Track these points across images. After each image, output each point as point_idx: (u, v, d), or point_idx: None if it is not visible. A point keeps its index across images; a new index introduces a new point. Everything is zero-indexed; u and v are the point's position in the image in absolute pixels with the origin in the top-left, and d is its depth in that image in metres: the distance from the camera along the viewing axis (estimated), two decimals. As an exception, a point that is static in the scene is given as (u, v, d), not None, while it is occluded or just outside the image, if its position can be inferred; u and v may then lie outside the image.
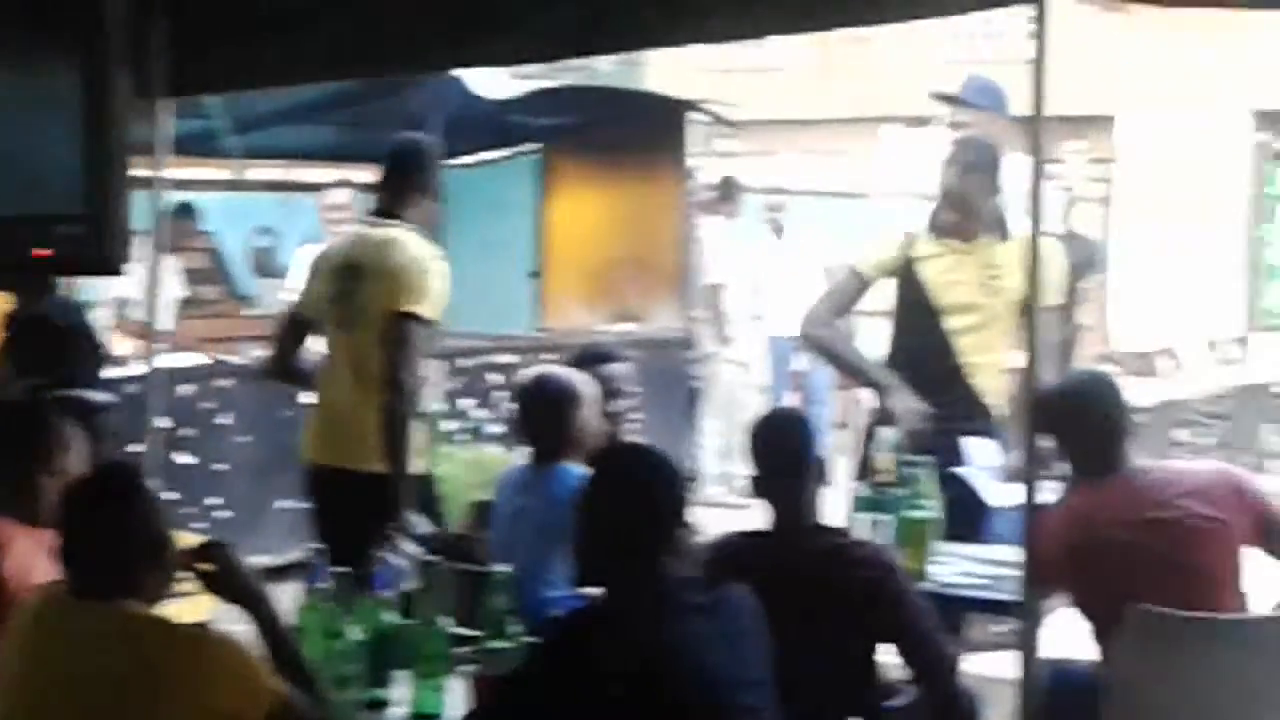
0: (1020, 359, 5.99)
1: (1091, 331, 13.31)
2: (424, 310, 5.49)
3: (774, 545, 4.38)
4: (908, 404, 5.98)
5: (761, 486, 4.48)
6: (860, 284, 6.36)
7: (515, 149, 12.21)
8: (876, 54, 25.29)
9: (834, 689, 4.29)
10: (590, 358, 5.56)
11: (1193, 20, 15.32)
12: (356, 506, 5.42)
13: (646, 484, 3.51)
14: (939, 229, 6.24)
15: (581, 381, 5.09)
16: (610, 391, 5.38)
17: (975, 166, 6.19)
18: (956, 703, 4.41)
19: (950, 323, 6.17)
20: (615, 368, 5.52)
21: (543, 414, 5.04)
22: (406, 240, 5.64)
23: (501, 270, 12.15)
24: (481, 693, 3.75)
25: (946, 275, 6.19)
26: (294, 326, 5.92)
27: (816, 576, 4.25)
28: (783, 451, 4.42)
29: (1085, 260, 12.75)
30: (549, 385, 5.08)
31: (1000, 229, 6.21)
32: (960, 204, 6.19)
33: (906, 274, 6.24)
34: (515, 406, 5.27)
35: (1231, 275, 18.38)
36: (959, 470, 5.82)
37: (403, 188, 5.73)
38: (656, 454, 3.62)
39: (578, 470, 4.65)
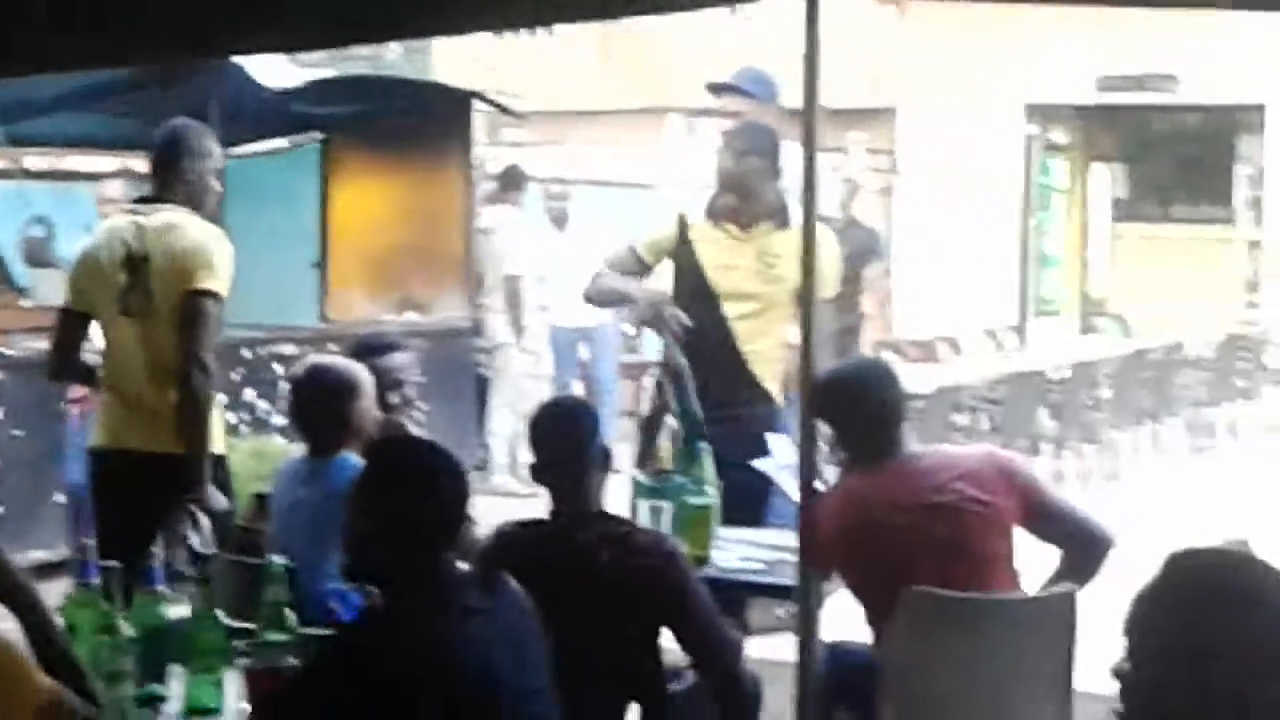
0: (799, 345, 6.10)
1: (873, 319, 13.53)
2: (216, 286, 5.51)
3: (553, 534, 4.38)
4: (649, 310, 6.01)
5: (542, 474, 4.47)
6: (637, 261, 6.38)
7: (297, 138, 12.06)
8: (661, 45, 25.44)
9: (616, 675, 4.30)
10: (370, 348, 5.51)
11: (969, 15, 15.64)
12: (151, 489, 5.39)
13: (422, 479, 3.45)
14: (716, 214, 6.27)
15: (358, 371, 5.04)
16: (391, 383, 5.34)
17: (752, 151, 6.20)
18: (737, 686, 4.45)
19: (728, 309, 6.20)
20: (396, 358, 5.48)
21: (318, 405, 4.98)
22: (187, 222, 5.63)
23: (284, 260, 11.97)
24: (256, 687, 3.70)
25: (723, 261, 6.22)
26: (71, 322, 5.82)
27: (596, 564, 4.26)
28: (563, 439, 4.42)
29: (867, 249, 12.94)
30: (324, 375, 5.03)
31: (780, 217, 6.24)
32: (738, 188, 6.21)
33: (684, 258, 6.26)
34: (290, 397, 5.22)
35: (1007, 264, 18.81)
36: (759, 464, 5.86)
37: (173, 174, 5.71)
38: (433, 447, 3.58)
39: (355, 461, 4.61)
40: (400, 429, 5.34)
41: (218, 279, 5.54)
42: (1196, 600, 2.43)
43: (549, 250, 11.74)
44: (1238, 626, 2.39)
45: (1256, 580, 2.45)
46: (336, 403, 4.93)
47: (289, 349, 10.20)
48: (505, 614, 3.46)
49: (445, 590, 3.39)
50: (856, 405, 4.71)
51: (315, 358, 5.38)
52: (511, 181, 12.12)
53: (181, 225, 5.63)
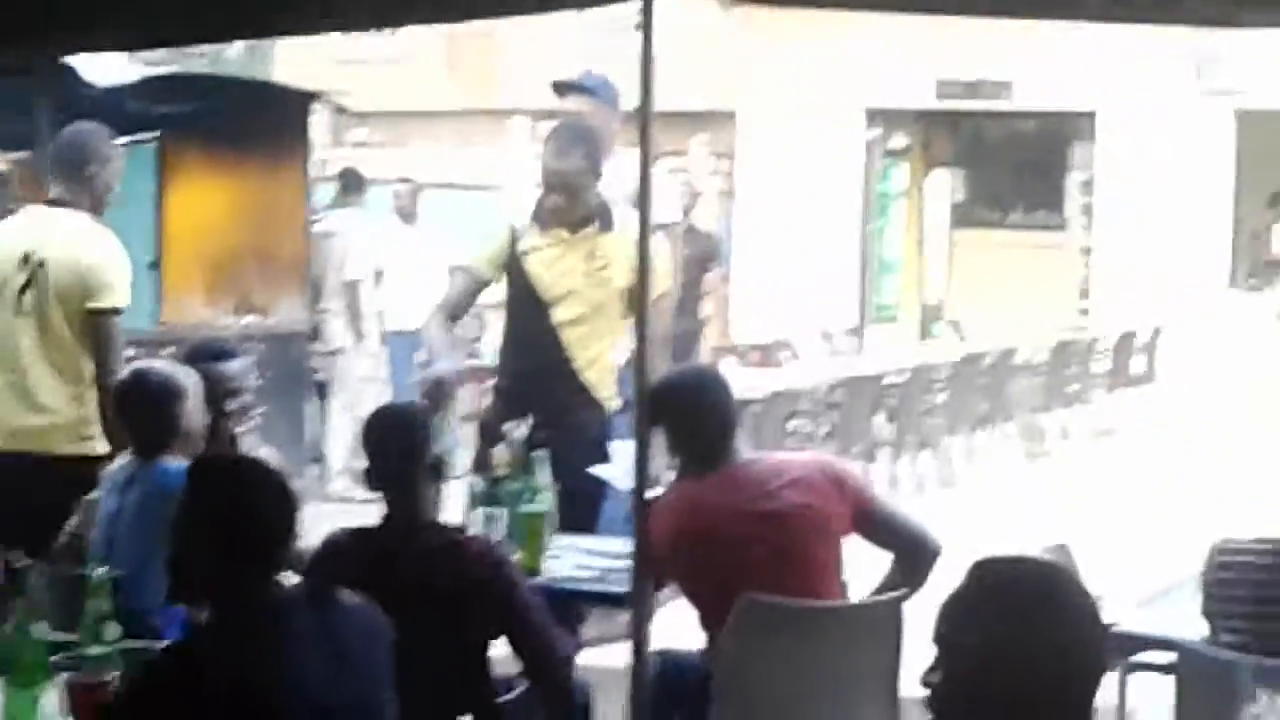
0: (631, 351, 6.10)
1: (713, 323, 13.60)
2: (119, 302, 5.82)
3: (383, 544, 4.34)
4: (439, 370, 5.99)
5: (374, 481, 4.45)
6: (474, 282, 6.36)
7: (132, 137, 11.86)
8: (505, 47, 25.39)
9: (447, 685, 4.28)
10: (207, 353, 5.44)
11: (810, 20, 15.77)
12: (43, 490, 5.38)
13: (244, 500, 3.40)
14: (543, 220, 6.24)
15: (183, 375, 4.98)
16: (227, 390, 5.28)
17: (573, 148, 6.15)
18: (567, 695, 4.45)
19: (558, 315, 6.18)
20: (233, 365, 5.41)
21: (142, 408, 4.93)
22: (91, 233, 5.83)
23: (118, 262, 11.79)
24: (77, 700, 3.63)
25: (552, 267, 6.19)
26: None
27: (426, 574, 4.23)
28: (394, 446, 4.40)
29: (706, 254, 13.02)
30: (148, 379, 4.97)
31: (604, 219, 6.23)
32: (561, 186, 6.14)
33: (515, 267, 6.24)
34: (114, 401, 5.15)
35: (847, 269, 18.99)
36: (599, 470, 5.86)
37: (76, 178, 5.86)
38: (255, 465, 3.56)
39: (178, 466, 4.55)
40: (232, 436, 5.28)
41: (121, 294, 5.82)
42: (999, 608, 2.47)
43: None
44: (1039, 633, 2.44)
45: (1058, 588, 2.50)
46: (160, 406, 4.88)
47: (125, 351, 10.02)
48: (338, 628, 3.41)
49: (271, 608, 3.35)
50: (690, 412, 4.73)
51: (142, 361, 5.32)
52: (350, 184, 12.01)
53: (86, 237, 5.82)
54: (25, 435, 5.77)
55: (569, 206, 6.15)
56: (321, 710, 3.28)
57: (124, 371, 5.23)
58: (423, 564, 4.26)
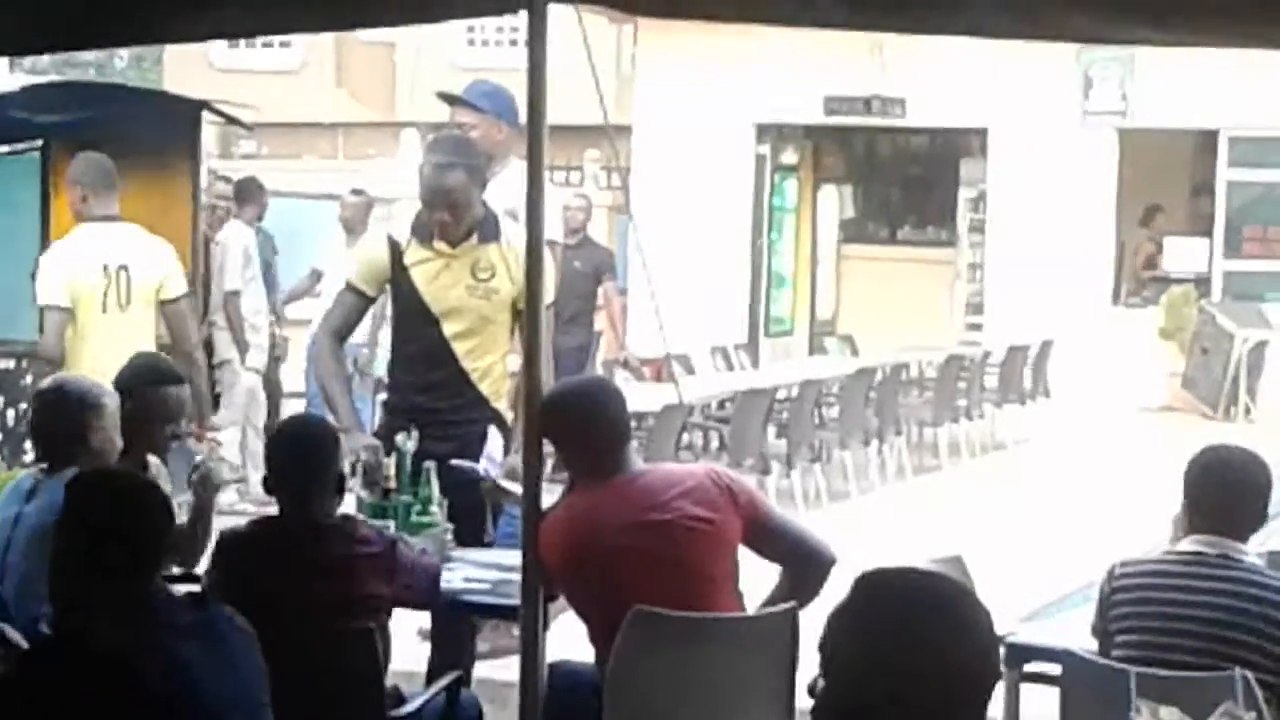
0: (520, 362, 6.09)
1: (606, 337, 13.60)
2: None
3: (283, 530, 4.48)
4: (357, 443, 5.83)
5: (274, 489, 4.56)
6: (358, 299, 6.29)
7: (16, 145, 11.70)
8: (396, 59, 25.31)
9: (337, 690, 4.29)
10: (147, 376, 5.44)
11: (702, 35, 15.81)
12: None
13: (117, 510, 3.44)
14: (422, 233, 6.18)
15: (102, 392, 4.98)
16: (166, 415, 5.32)
17: (453, 162, 6.09)
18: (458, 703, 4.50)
19: (446, 328, 6.14)
20: (174, 391, 5.38)
21: (53, 419, 4.91)
22: (153, 241, 6.88)
23: (3, 271, 11.62)
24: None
25: (436, 279, 6.14)
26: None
27: (322, 551, 4.37)
28: (298, 458, 4.45)
29: (601, 267, 13.04)
30: (64, 390, 4.98)
31: (487, 229, 6.18)
32: (442, 200, 6.08)
33: (399, 280, 6.18)
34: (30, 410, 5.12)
35: (739, 283, 19.05)
36: (467, 464, 5.84)
37: (113, 194, 6.13)
38: (131, 477, 3.59)
39: None
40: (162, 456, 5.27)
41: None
42: (883, 619, 2.45)
43: (335, 260, 11.58)
44: (923, 642, 2.42)
45: (944, 598, 2.49)
46: (73, 419, 4.85)
47: (6, 364, 9.89)
48: (215, 632, 3.43)
49: (146, 612, 3.36)
50: (581, 424, 4.71)
51: (64, 373, 5.32)
52: (246, 194, 11.90)
53: (151, 242, 7.42)
54: None
55: (453, 222, 6.09)
56: (210, 706, 3.27)
57: (46, 379, 5.20)
58: (314, 553, 4.38)
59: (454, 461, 5.71)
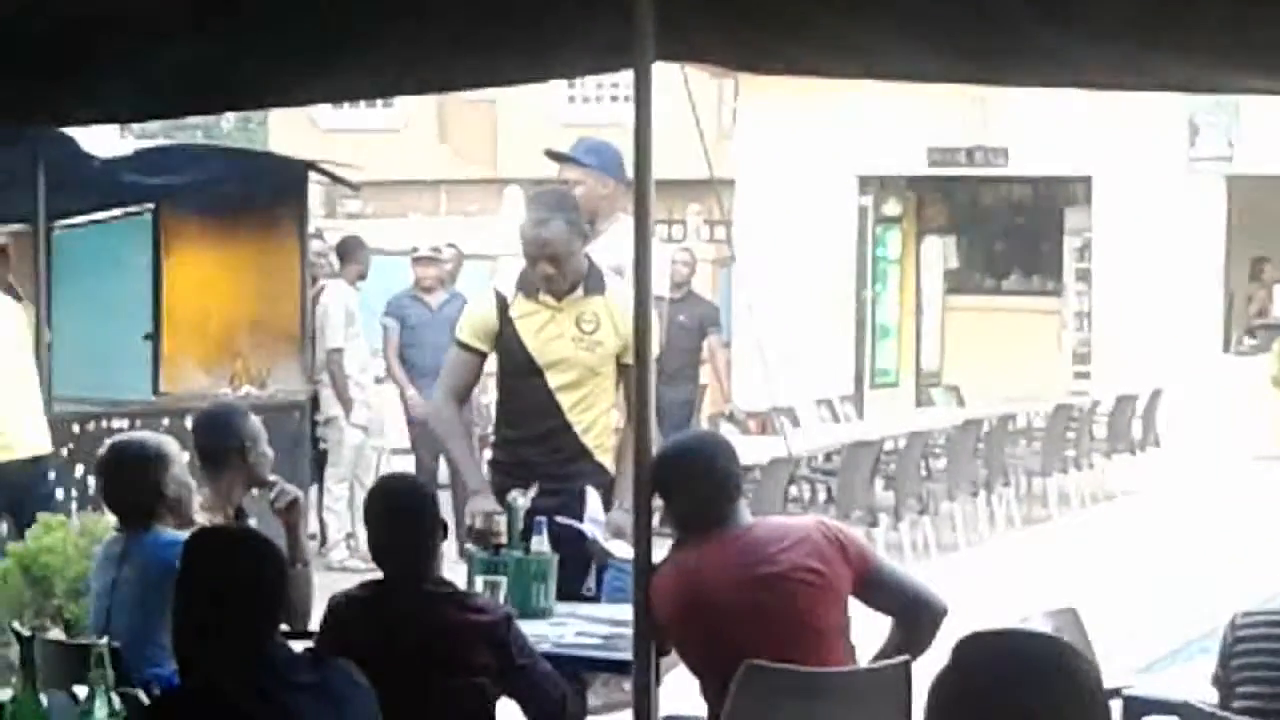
0: (624, 416, 6.09)
1: (712, 390, 13.60)
2: None
3: (389, 600, 4.42)
4: (482, 506, 5.88)
5: (376, 554, 4.53)
6: (472, 356, 6.33)
7: (128, 208, 11.90)
8: (498, 116, 25.49)
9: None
10: (230, 411, 5.50)
11: (802, 88, 15.82)
12: None
13: (240, 570, 3.48)
14: (528, 287, 6.23)
15: (165, 443, 5.01)
16: (248, 442, 5.30)
17: (554, 215, 6.15)
18: None
19: (552, 380, 6.16)
20: (250, 420, 5.42)
21: (124, 479, 4.95)
22: None
23: (116, 333, 11.81)
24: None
25: (542, 332, 6.17)
26: None
27: (430, 624, 4.31)
28: (395, 520, 4.44)
29: (705, 321, 13.05)
30: (129, 449, 5.01)
31: (592, 282, 6.21)
32: (544, 255, 6.13)
33: (505, 335, 6.22)
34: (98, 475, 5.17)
35: (843, 335, 18.99)
36: (579, 524, 5.86)
37: None
38: (250, 534, 3.61)
39: (169, 536, 4.60)
40: (262, 481, 5.29)
41: None
42: (984, 686, 2.40)
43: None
44: (1026, 711, 2.37)
45: (1047, 660, 2.43)
46: (143, 476, 4.88)
47: (121, 423, 10.03)
48: (332, 687, 3.46)
49: (268, 668, 3.39)
50: (692, 477, 4.70)
51: (122, 435, 5.38)
52: (348, 252, 12.02)
53: None
54: None
55: (557, 274, 6.13)
56: None
57: (103, 446, 5.23)
58: (427, 617, 4.33)
59: (559, 519, 5.73)
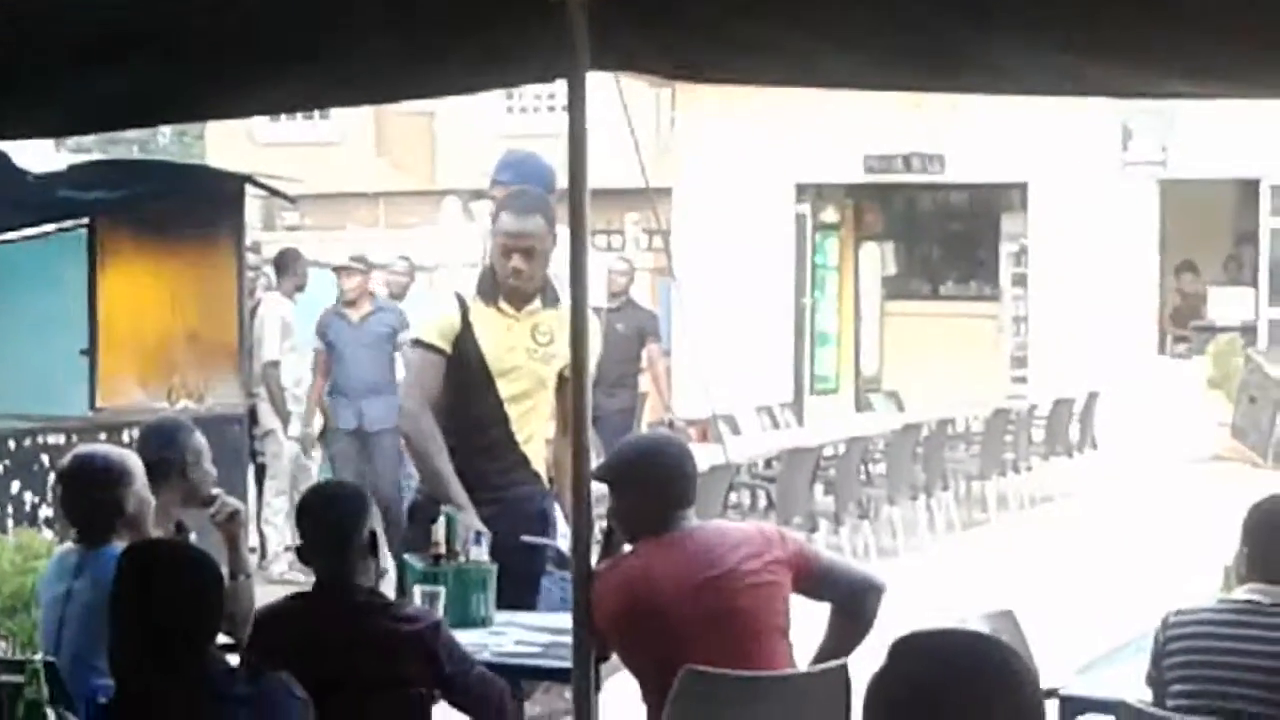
0: (559, 427, 6.11)
1: (651, 398, 13.62)
2: None
3: (319, 607, 4.41)
4: (470, 522, 5.76)
5: (307, 556, 4.52)
6: (438, 357, 6.23)
7: (63, 223, 11.83)
8: (436, 127, 25.46)
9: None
10: (167, 428, 5.47)
11: (740, 96, 15.89)
12: None
13: (178, 583, 3.48)
14: (486, 294, 6.21)
15: (127, 457, 4.97)
16: (192, 460, 5.28)
17: (535, 210, 6.12)
18: None
19: (502, 389, 6.15)
20: (196, 437, 5.41)
21: (86, 493, 4.91)
22: None
23: (52, 348, 11.73)
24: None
25: (499, 340, 6.14)
26: None
27: (359, 634, 4.29)
28: (328, 524, 4.43)
29: (644, 330, 13.06)
30: (91, 463, 4.95)
31: (549, 294, 6.22)
32: (522, 249, 6.06)
33: (463, 339, 6.17)
34: (58, 487, 5.13)
35: (783, 342, 19.06)
36: (544, 540, 5.87)
37: None
38: (187, 548, 3.61)
39: None
40: (207, 498, 5.27)
41: None
42: (920, 685, 2.40)
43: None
44: (962, 710, 2.39)
45: (982, 659, 2.45)
46: (105, 490, 4.85)
47: (57, 439, 9.97)
48: (270, 700, 3.46)
49: (205, 681, 3.39)
50: (649, 478, 4.71)
51: (85, 446, 5.29)
52: (285, 265, 11.99)
53: None
54: None
55: (526, 270, 6.09)
56: None
57: (65, 457, 5.20)
58: (355, 630, 4.31)
59: (526, 539, 5.75)
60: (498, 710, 4.52)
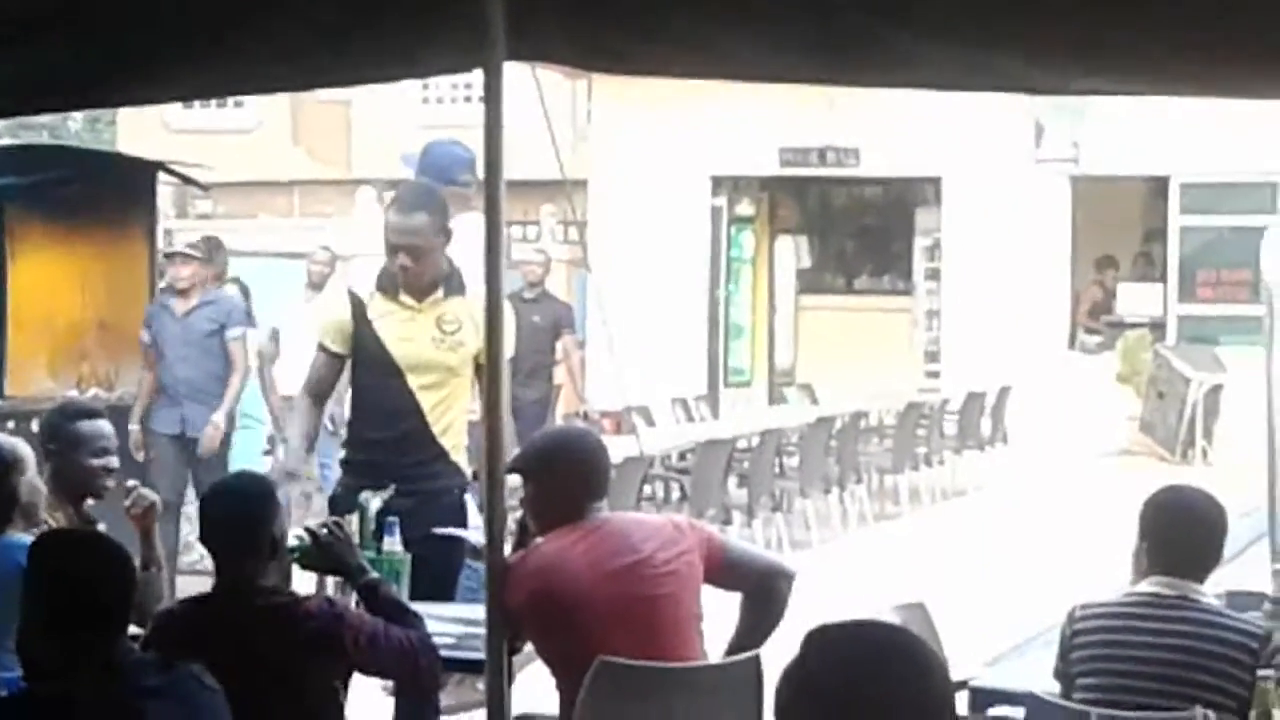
0: (481, 415, 6.08)
1: (566, 390, 13.62)
2: None
3: (217, 610, 4.34)
4: (299, 487, 5.99)
5: (209, 546, 4.45)
6: (330, 357, 6.28)
7: (-30, 209, 11.68)
8: (351, 118, 25.34)
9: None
10: (71, 413, 5.41)
11: (656, 88, 15.90)
12: None
13: (86, 573, 3.45)
14: (386, 286, 6.20)
15: (17, 446, 4.93)
16: (99, 449, 5.26)
17: (421, 207, 6.13)
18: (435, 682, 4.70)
19: (412, 381, 6.14)
20: (102, 424, 5.36)
21: None
22: None
23: (-40, 336, 11.59)
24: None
25: (402, 333, 6.14)
26: None
27: (259, 635, 4.23)
28: (230, 520, 4.37)
29: (559, 321, 13.06)
30: None
31: (452, 283, 6.20)
32: (407, 246, 6.09)
33: (363, 336, 6.19)
34: None
35: (698, 334, 19.10)
36: (457, 532, 5.86)
37: None
38: (98, 538, 3.59)
39: (20, 539, 4.53)
40: (102, 488, 5.25)
41: None
42: (833, 675, 2.42)
43: (298, 320, 11.49)
44: (875, 699, 2.40)
45: (894, 650, 2.47)
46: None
47: (-40, 428, 9.84)
48: (181, 689, 3.43)
49: (115, 672, 3.37)
50: (564, 468, 4.72)
51: None
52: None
53: None
54: None
55: (414, 267, 6.11)
56: None
57: None
58: (254, 629, 4.26)
59: (439, 530, 5.74)
60: (413, 668, 4.53)
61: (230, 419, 10.26)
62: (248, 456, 11.00)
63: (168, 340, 10.27)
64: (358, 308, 6.18)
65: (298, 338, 11.21)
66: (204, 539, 4.48)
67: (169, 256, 10.63)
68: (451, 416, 6.17)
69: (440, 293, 6.15)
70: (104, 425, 5.37)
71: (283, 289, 12.49)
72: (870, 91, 15.97)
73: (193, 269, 10.41)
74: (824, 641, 2.46)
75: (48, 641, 3.40)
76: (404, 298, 6.15)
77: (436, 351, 6.11)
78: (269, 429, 11.87)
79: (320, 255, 12.36)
